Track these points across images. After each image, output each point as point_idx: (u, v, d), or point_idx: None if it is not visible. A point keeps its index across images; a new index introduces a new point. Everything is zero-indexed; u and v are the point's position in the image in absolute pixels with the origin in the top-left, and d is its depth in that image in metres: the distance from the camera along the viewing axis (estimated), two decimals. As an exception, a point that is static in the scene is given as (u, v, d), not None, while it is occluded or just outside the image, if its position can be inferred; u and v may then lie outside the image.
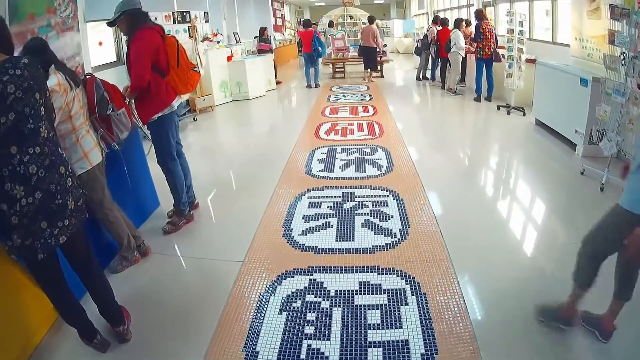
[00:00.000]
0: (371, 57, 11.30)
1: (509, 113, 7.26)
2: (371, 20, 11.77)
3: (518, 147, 5.73)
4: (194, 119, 7.94)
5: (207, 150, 6.19)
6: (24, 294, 2.27)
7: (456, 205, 3.83)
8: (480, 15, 8.27)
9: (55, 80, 2.44)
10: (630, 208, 1.92)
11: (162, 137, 3.46)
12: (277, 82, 11.57)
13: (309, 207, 3.76)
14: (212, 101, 8.78)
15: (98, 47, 6.43)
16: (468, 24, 9.78)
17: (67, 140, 2.58)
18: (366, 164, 4.77)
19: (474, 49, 8.45)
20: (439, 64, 10.34)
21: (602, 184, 4.05)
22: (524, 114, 7.11)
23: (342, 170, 4.62)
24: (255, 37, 11.99)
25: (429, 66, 11.30)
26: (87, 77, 2.86)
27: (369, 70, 11.50)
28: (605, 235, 2.11)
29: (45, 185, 1.86)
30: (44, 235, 1.86)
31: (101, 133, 2.84)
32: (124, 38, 3.56)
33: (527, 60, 7.33)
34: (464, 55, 9.14)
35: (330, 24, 15.91)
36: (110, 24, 3.37)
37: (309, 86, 10.98)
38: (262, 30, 11.87)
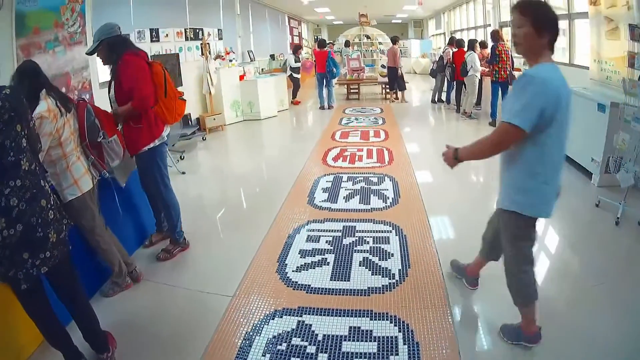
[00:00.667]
0: (396, 78, 11.40)
1: None
2: (394, 40, 11.92)
3: None
4: (202, 138, 7.99)
5: (212, 171, 6.21)
6: (13, 311, 2.28)
7: (462, 243, 3.70)
8: (496, 36, 8.24)
9: (45, 106, 2.46)
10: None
11: (153, 167, 3.46)
12: (296, 102, 11.73)
13: (306, 241, 3.70)
14: (223, 120, 8.85)
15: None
16: (483, 45, 9.75)
17: (57, 166, 2.60)
18: (371, 195, 4.71)
19: (489, 72, 8.39)
20: (454, 87, 10.30)
21: (618, 218, 3.93)
22: None
23: (345, 201, 4.56)
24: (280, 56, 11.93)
25: (445, 88, 11.26)
26: (79, 101, 2.86)
27: (395, 91, 11.70)
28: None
29: (26, 218, 1.88)
30: (26, 266, 1.88)
31: (92, 160, 2.84)
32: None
33: None
34: (479, 78, 9.07)
35: (347, 44, 16.02)
36: (90, 53, 3.36)
37: (322, 107, 11.01)
38: (297, 48, 12.08)
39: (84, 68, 5.83)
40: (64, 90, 5.35)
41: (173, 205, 3.63)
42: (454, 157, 2.50)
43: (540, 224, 4.08)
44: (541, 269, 3.33)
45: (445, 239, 3.80)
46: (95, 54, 3.30)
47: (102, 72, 6.29)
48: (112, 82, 3.29)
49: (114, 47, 3.20)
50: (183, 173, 5.87)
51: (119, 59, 3.18)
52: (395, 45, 11.58)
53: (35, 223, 1.91)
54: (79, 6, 5.69)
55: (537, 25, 2.00)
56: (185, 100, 3.77)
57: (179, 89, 7.63)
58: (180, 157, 6.64)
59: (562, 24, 7.91)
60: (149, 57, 3.52)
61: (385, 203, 4.49)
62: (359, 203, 4.51)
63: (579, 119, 5.41)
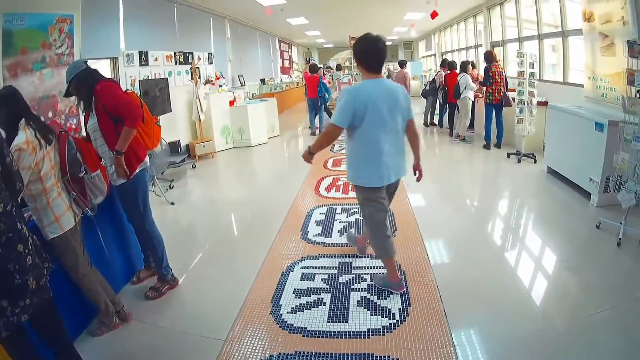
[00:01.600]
0: None
1: (519, 161, 7.28)
2: (403, 64, 12.19)
3: (529, 200, 5.70)
4: (192, 166, 7.95)
5: (202, 202, 6.13)
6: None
7: (462, 274, 3.68)
8: (489, 57, 8.26)
9: (23, 137, 2.38)
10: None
11: (137, 196, 3.40)
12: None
13: (301, 279, 3.62)
14: (213, 147, 8.85)
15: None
16: (473, 65, 9.83)
17: (37, 201, 2.53)
18: (366, 227, 4.64)
19: (482, 94, 8.44)
20: (447, 110, 10.37)
21: (620, 239, 3.94)
22: (535, 161, 7.15)
23: (340, 235, 4.49)
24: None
25: (437, 111, 11.36)
26: (60, 132, 2.78)
27: None
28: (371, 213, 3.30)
29: (2, 265, 1.81)
30: (6, 314, 1.81)
31: (73, 196, 2.76)
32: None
33: (538, 103, 7.34)
34: (473, 100, 9.15)
35: (338, 68, 16.11)
36: (66, 95, 3.31)
37: (313, 133, 11.01)
38: (315, 67, 12.08)
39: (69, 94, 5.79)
40: (50, 114, 5.31)
41: (156, 238, 3.55)
42: (308, 153, 3.38)
43: (541, 252, 4.13)
44: (540, 293, 3.36)
45: (445, 272, 3.72)
46: (71, 94, 3.25)
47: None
48: (89, 113, 3.20)
49: (83, 79, 3.14)
50: (172, 203, 5.79)
51: (92, 89, 3.12)
52: (405, 69, 11.78)
53: (12, 269, 1.84)
54: (67, 27, 5.66)
55: (357, 57, 3.15)
56: (160, 126, 3.75)
57: (168, 114, 7.66)
58: (170, 186, 6.57)
59: (552, 40, 8.22)
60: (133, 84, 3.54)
61: (382, 236, 4.43)
62: (355, 236, 4.44)
63: (576, 139, 5.49)
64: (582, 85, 6.61)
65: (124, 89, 3.47)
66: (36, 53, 5.12)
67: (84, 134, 5.72)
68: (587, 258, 3.91)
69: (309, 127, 11.40)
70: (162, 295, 3.51)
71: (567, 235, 4.39)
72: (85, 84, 3.12)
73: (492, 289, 3.44)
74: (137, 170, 3.31)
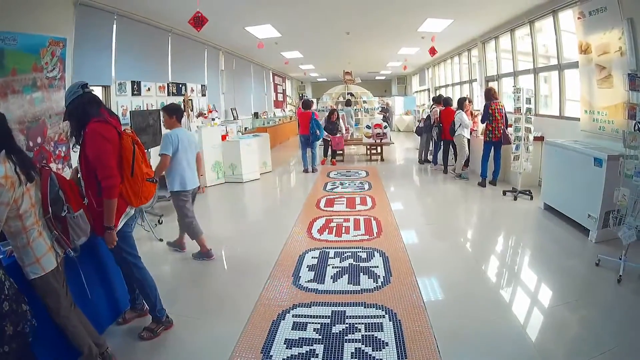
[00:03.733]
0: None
1: (515, 198, 7.40)
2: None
3: (526, 238, 5.77)
4: (182, 200, 7.88)
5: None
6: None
7: (459, 320, 3.66)
8: (489, 94, 8.40)
9: (2, 171, 2.30)
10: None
11: (122, 249, 3.39)
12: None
13: (292, 329, 3.56)
14: (204, 182, 8.79)
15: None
16: (470, 101, 9.98)
17: (17, 239, 2.47)
18: (361, 274, 4.63)
19: (481, 132, 8.55)
20: (442, 147, 10.49)
21: (620, 275, 4.00)
22: (531, 198, 7.28)
23: (333, 282, 4.46)
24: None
25: (431, 147, 11.51)
26: (42, 167, 2.71)
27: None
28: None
29: None
30: None
31: (55, 236, 2.68)
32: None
33: (535, 139, 7.52)
34: (469, 137, 9.31)
35: (348, 103, 16.48)
36: (64, 119, 3.20)
37: (305, 170, 11.07)
38: (332, 113, 12.27)
39: (62, 118, 5.76)
40: (39, 140, 5.30)
41: (148, 284, 3.54)
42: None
43: (539, 295, 4.16)
44: (538, 330, 3.40)
45: (441, 318, 3.69)
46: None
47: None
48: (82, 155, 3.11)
49: (73, 113, 3.05)
50: (160, 240, 5.77)
51: (83, 127, 3.01)
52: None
53: None
54: (60, 50, 5.76)
55: (166, 114, 4.94)
56: (155, 182, 3.52)
57: (159, 147, 7.65)
58: (159, 220, 6.57)
59: (547, 72, 8.47)
60: (122, 122, 3.44)
61: (376, 283, 4.41)
62: (348, 283, 4.42)
63: (574, 175, 5.59)
64: (578, 119, 6.78)
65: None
66: (27, 76, 5.19)
67: (73, 162, 5.75)
68: (588, 297, 3.94)
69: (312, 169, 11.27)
70: (157, 336, 3.51)
71: (567, 273, 4.45)
72: (76, 118, 3.05)
73: (491, 334, 3.44)
74: (120, 225, 3.26)
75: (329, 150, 12.49)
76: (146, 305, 3.70)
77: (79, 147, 3.09)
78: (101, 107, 3.19)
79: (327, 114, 12.65)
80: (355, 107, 18.47)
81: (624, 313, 3.57)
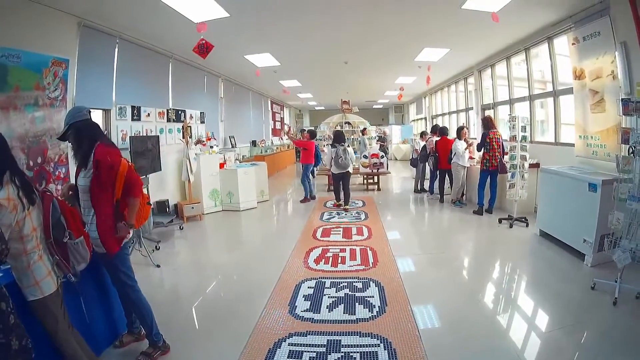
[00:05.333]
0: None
1: (511, 226, 7.54)
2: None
3: (522, 264, 5.86)
4: (180, 227, 8.02)
5: (189, 267, 6.14)
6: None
7: (455, 349, 3.73)
8: (487, 123, 8.57)
9: (4, 193, 2.39)
10: None
11: (120, 271, 3.51)
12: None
13: (288, 357, 3.63)
14: (201, 209, 8.97)
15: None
16: (466, 128, 10.20)
17: (17, 261, 2.54)
18: (356, 303, 4.71)
19: (477, 160, 8.69)
20: (437, 176, 10.66)
21: (616, 298, 4.08)
22: (527, 225, 7.44)
23: (329, 311, 4.53)
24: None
25: (427, 175, 11.69)
26: (45, 193, 2.80)
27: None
28: None
29: None
30: None
31: (56, 260, 2.76)
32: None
33: (530, 166, 7.70)
34: (467, 166, 9.51)
35: (364, 132, 17.10)
36: (60, 138, 3.37)
37: (306, 199, 11.09)
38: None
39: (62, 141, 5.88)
40: (39, 160, 5.38)
41: (144, 307, 3.66)
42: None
43: (534, 310, 4.34)
44: (534, 356, 3.46)
45: (438, 350, 3.73)
46: (67, 140, 3.32)
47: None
48: (80, 169, 3.28)
49: (83, 132, 3.25)
50: (158, 266, 5.86)
51: (91, 149, 3.21)
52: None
53: None
54: (62, 71, 5.86)
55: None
56: (151, 205, 3.84)
57: (158, 173, 7.78)
58: (156, 246, 6.65)
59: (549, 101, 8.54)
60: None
61: (372, 312, 4.48)
62: (344, 313, 4.49)
63: (569, 201, 5.73)
64: (573, 145, 6.97)
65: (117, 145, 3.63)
66: (29, 94, 5.30)
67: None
68: (584, 320, 4.03)
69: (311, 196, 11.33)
70: None
71: (563, 298, 4.54)
72: (84, 138, 3.24)
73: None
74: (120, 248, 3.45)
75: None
76: (143, 330, 3.80)
77: (84, 172, 3.24)
78: (104, 136, 3.46)
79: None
80: (352, 137, 18.75)
81: (621, 335, 3.65)
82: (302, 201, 11.03)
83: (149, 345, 3.66)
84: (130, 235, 3.59)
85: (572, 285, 4.87)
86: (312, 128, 14.10)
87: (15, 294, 2.53)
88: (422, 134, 12.50)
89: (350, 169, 9.89)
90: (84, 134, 3.24)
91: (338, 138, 9.77)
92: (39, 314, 2.67)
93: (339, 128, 17.13)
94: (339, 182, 9.92)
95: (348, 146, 9.77)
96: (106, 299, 3.83)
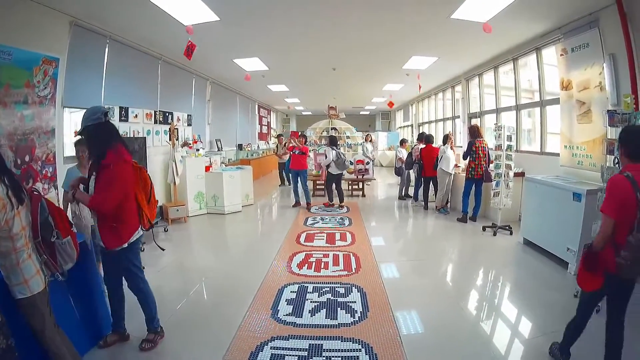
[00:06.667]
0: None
1: (495, 234, 7.66)
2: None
3: (506, 272, 5.96)
4: (165, 229, 8.04)
5: (173, 269, 6.17)
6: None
7: (437, 354, 3.80)
8: (474, 132, 8.70)
9: None
10: None
11: (132, 262, 3.76)
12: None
13: (270, 361, 3.70)
14: (186, 212, 8.99)
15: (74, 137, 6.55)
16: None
17: (7, 259, 2.58)
18: (338, 308, 4.78)
19: (462, 168, 8.84)
20: (422, 184, 10.79)
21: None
22: (511, 233, 7.58)
23: (311, 316, 4.60)
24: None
25: (412, 183, 11.83)
26: (33, 193, 2.84)
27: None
28: None
29: None
30: None
31: (44, 259, 2.82)
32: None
33: (515, 174, 7.82)
34: (452, 173, 9.66)
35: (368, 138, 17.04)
36: (79, 133, 3.53)
37: (297, 204, 11.07)
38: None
39: (50, 138, 5.89)
40: (27, 158, 5.38)
41: (150, 294, 3.94)
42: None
43: (517, 317, 4.46)
44: None
45: (419, 355, 3.80)
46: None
47: (68, 146, 6.37)
48: (92, 178, 3.42)
49: (95, 138, 3.36)
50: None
51: (103, 156, 3.32)
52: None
53: None
54: (52, 70, 5.88)
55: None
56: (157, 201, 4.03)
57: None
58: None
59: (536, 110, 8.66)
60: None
61: (354, 317, 4.55)
62: (326, 317, 4.56)
63: (553, 210, 5.85)
64: (558, 154, 7.12)
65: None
66: (19, 92, 5.31)
67: (58, 182, 5.85)
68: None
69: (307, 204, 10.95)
70: (157, 345, 3.84)
71: (546, 305, 4.64)
72: (96, 143, 3.37)
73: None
74: (133, 239, 3.66)
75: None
76: (127, 331, 3.94)
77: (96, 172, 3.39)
78: (118, 139, 3.53)
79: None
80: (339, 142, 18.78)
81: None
82: (294, 205, 11.06)
83: (149, 332, 3.90)
84: (140, 231, 3.78)
85: (555, 293, 4.98)
86: (304, 133, 14.12)
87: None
88: (402, 142, 12.73)
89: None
90: (93, 139, 3.37)
91: (333, 141, 10.80)
92: (26, 312, 2.69)
93: (332, 133, 17.18)
94: (333, 182, 10.75)
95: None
96: (90, 299, 3.86)
